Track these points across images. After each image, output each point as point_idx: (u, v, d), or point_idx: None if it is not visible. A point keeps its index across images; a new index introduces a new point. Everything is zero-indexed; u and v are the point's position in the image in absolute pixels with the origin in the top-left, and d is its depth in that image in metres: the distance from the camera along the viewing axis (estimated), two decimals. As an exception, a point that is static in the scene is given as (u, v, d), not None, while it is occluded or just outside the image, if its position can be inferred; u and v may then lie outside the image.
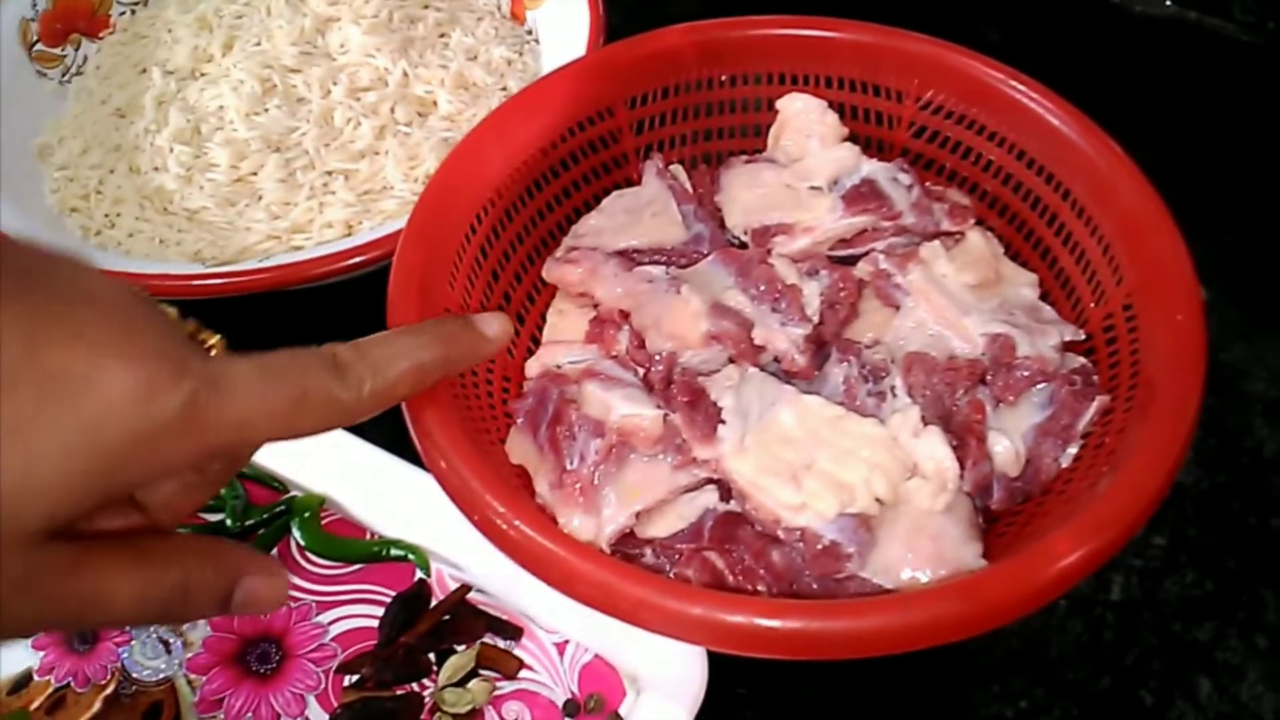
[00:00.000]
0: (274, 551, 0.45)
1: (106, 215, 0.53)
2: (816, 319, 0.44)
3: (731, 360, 0.43)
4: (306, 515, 0.45)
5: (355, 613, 0.43)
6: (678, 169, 0.51)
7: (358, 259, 0.46)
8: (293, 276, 0.46)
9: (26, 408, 0.25)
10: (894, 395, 0.42)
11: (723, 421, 0.40)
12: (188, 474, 0.30)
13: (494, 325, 0.37)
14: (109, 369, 0.26)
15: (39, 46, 0.61)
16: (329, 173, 0.53)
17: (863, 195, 0.47)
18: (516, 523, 0.35)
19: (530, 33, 0.62)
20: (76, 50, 0.62)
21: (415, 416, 0.38)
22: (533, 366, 0.46)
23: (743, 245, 0.48)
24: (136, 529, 0.30)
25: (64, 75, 0.61)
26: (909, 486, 0.39)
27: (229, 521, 0.45)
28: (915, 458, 0.40)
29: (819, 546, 0.37)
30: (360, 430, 0.46)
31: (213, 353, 0.31)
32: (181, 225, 0.51)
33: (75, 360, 0.26)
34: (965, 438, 0.41)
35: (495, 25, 0.61)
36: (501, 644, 0.42)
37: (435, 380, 0.35)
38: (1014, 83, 0.47)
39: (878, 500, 0.38)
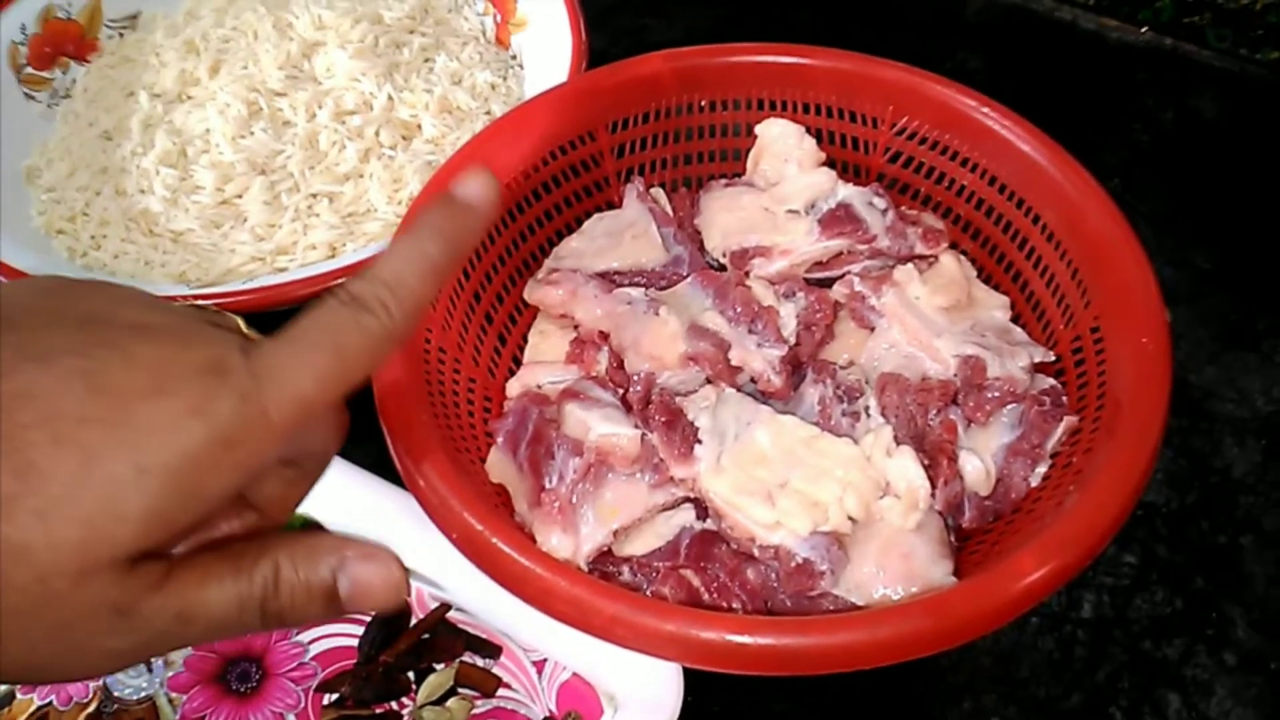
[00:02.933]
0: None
1: (93, 237, 0.54)
2: (793, 340, 0.45)
3: (709, 381, 0.44)
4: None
5: (335, 631, 0.43)
6: (658, 192, 0.52)
7: (341, 281, 0.47)
8: (277, 298, 0.47)
9: (96, 444, 0.26)
10: (868, 415, 0.43)
11: (699, 441, 0.41)
12: (281, 469, 0.31)
13: (474, 187, 0.35)
14: (162, 395, 0.27)
15: (28, 70, 0.61)
16: (313, 195, 0.54)
17: (839, 219, 0.48)
18: (494, 540, 0.36)
19: (514, 57, 0.63)
20: (65, 74, 0.63)
21: (395, 436, 0.39)
22: (513, 387, 0.46)
23: (721, 267, 0.49)
24: (254, 530, 0.30)
25: (52, 98, 0.62)
26: (881, 505, 0.40)
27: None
28: (888, 477, 0.40)
29: (793, 564, 0.38)
30: (342, 451, 0.47)
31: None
32: (167, 247, 0.52)
33: (132, 393, 0.27)
34: (937, 457, 0.41)
35: (480, 50, 0.62)
36: (480, 662, 0.43)
37: (452, 266, 0.34)
38: (986, 110, 0.48)
39: (850, 519, 0.39)
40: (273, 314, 0.49)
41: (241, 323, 0.33)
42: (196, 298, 0.47)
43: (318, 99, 0.57)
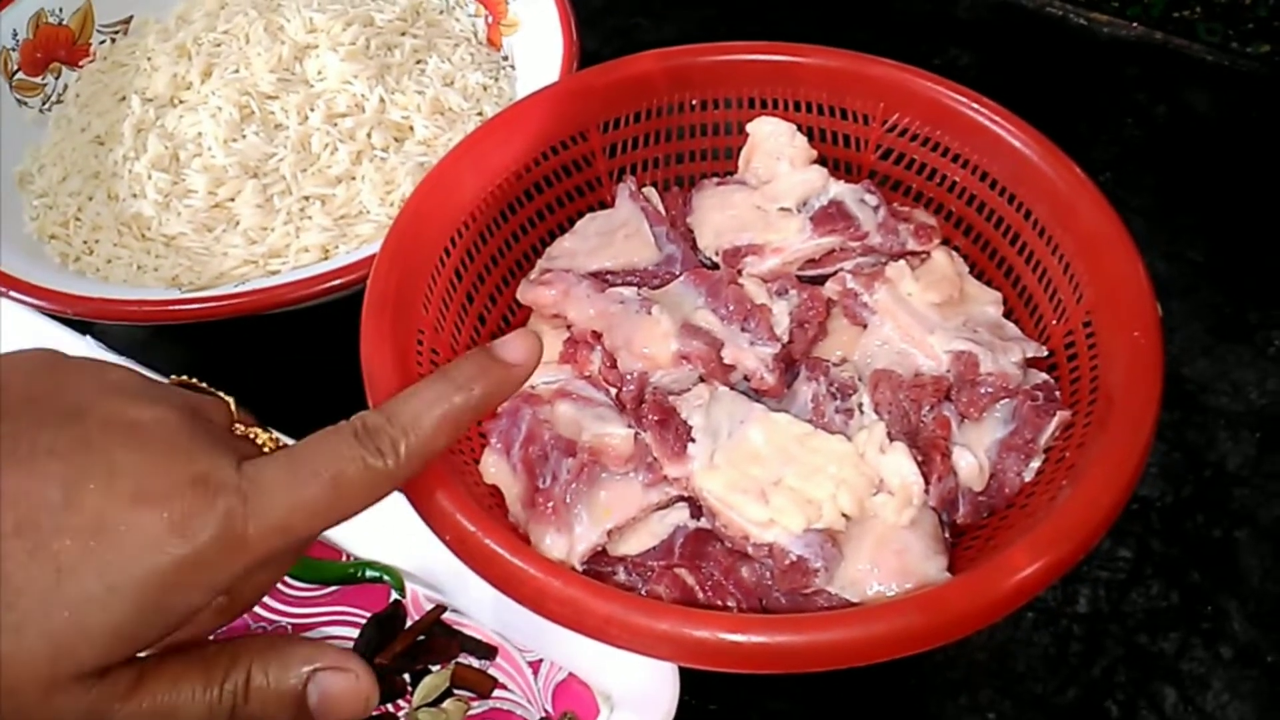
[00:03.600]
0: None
1: (85, 242, 0.54)
2: (786, 338, 0.45)
3: (702, 379, 0.44)
4: (283, 537, 0.46)
5: (331, 634, 0.43)
6: (650, 191, 0.52)
7: (334, 283, 0.47)
8: (268, 301, 0.47)
9: (71, 555, 0.26)
10: (861, 412, 0.43)
11: (693, 440, 0.41)
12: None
13: (517, 349, 0.34)
14: (143, 508, 0.27)
15: (19, 75, 0.61)
16: (306, 198, 0.54)
17: (831, 216, 0.48)
18: (487, 541, 0.36)
19: (506, 58, 0.63)
20: (57, 79, 0.63)
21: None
22: (507, 388, 0.46)
23: (714, 266, 0.49)
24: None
25: (44, 104, 0.62)
26: (875, 502, 0.40)
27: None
28: (881, 473, 0.40)
29: (786, 562, 0.38)
30: None
31: (262, 446, 0.31)
32: (159, 251, 0.52)
33: (111, 504, 0.27)
34: (930, 453, 0.41)
35: (471, 51, 0.62)
36: (476, 664, 0.43)
37: (473, 421, 0.33)
38: (976, 106, 0.48)
39: (844, 516, 0.39)
40: (266, 317, 0.49)
41: (233, 404, 0.32)
42: (189, 301, 0.47)
43: (309, 101, 0.57)
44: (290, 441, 0.31)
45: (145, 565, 0.26)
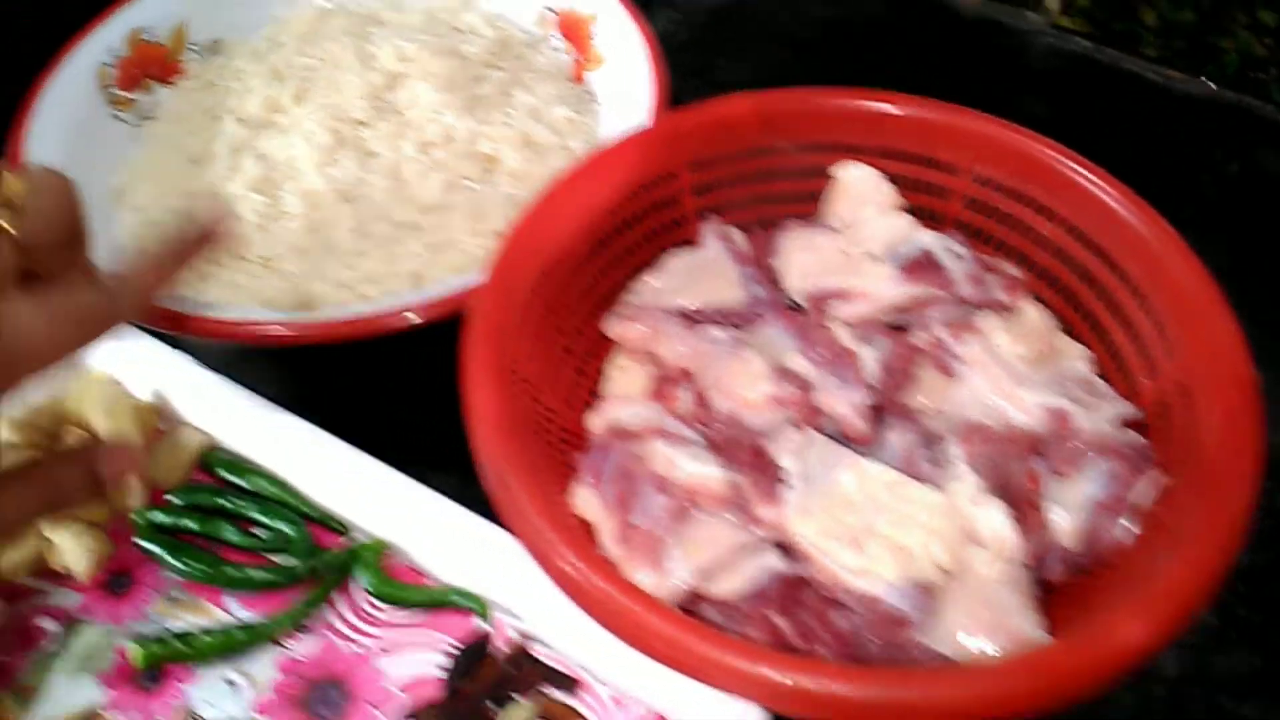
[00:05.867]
0: (338, 593, 0.46)
1: (180, 258, 0.55)
2: (874, 384, 0.45)
3: (792, 423, 0.44)
4: (371, 559, 0.46)
5: (418, 659, 0.44)
6: (735, 231, 0.53)
7: (434, 312, 0.48)
8: (368, 329, 0.48)
9: None
10: (951, 463, 0.43)
11: (785, 483, 0.41)
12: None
13: (210, 215, 0.42)
14: None
15: (115, 90, 0.63)
16: (398, 225, 0.54)
17: (920, 265, 0.48)
18: (593, 578, 0.36)
19: (589, 93, 0.64)
20: (150, 95, 0.64)
21: (491, 468, 0.39)
22: (595, 421, 0.47)
23: (799, 308, 0.50)
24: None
25: (138, 119, 0.63)
26: (968, 554, 0.40)
27: (297, 563, 0.46)
28: (974, 526, 0.41)
29: (881, 611, 0.38)
30: (423, 477, 0.48)
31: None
32: (255, 272, 0.53)
33: None
34: (1022, 508, 0.42)
35: (556, 85, 0.63)
36: (560, 696, 0.43)
37: (178, 268, 0.41)
38: (1068, 161, 0.48)
39: (938, 567, 0.39)
40: (357, 344, 0.49)
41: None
42: (289, 325, 0.48)
43: (401, 130, 0.58)
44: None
45: None
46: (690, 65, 0.75)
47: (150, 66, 0.65)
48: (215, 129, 0.60)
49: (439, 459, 0.50)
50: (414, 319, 0.48)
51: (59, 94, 0.60)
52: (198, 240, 0.42)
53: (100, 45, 0.63)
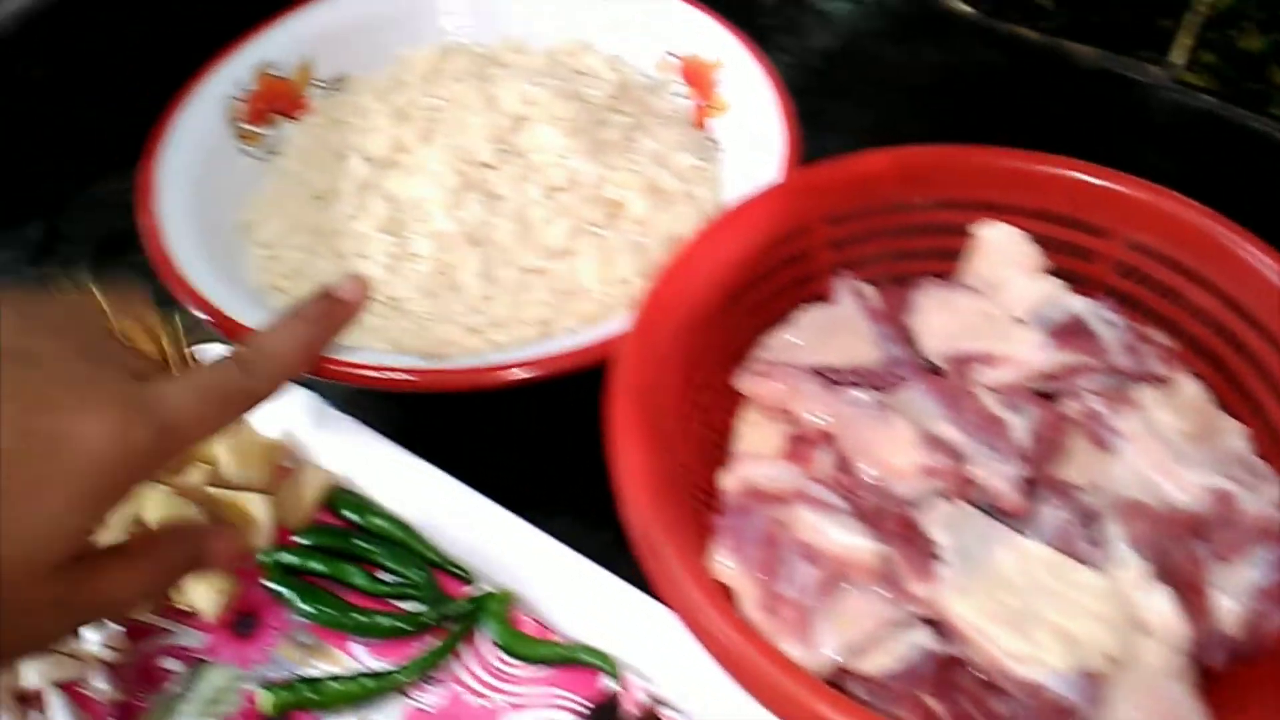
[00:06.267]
0: (464, 644, 0.45)
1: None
2: (1026, 455, 0.44)
3: (942, 493, 0.43)
4: (498, 611, 0.45)
5: (548, 718, 0.43)
6: (868, 288, 0.52)
7: (579, 362, 0.47)
8: (505, 379, 0.47)
9: (36, 471, 0.32)
10: (1111, 543, 0.41)
11: (940, 559, 0.40)
12: None
13: (352, 290, 0.46)
14: (87, 421, 0.34)
15: (242, 124, 0.63)
16: (525, 269, 0.54)
17: (1070, 331, 0.47)
18: (748, 650, 0.35)
19: (712, 140, 0.63)
20: (276, 130, 0.65)
21: (640, 531, 0.39)
22: (729, 480, 0.46)
23: (937, 370, 0.48)
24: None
25: (264, 154, 0.64)
26: (1135, 642, 0.38)
27: (426, 611, 0.46)
28: (1139, 613, 0.39)
29: (1046, 700, 0.37)
30: (538, 522, 0.47)
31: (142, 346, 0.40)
32: (384, 313, 0.53)
33: (59, 421, 0.33)
34: (1186, 594, 0.40)
35: (679, 131, 0.63)
36: (693, 763, 0.42)
37: (321, 348, 0.45)
38: (1227, 230, 0.47)
39: (1106, 657, 0.38)
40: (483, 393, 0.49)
41: (107, 306, 0.40)
42: (422, 372, 0.48)
43: (526, 173, 0.58)
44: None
45: (98, 471, 0.34)
46: (801, 109, 0.74)
47: (277, 101, 0.65)
48: (340, 166, 0.61)
49: (556, 504, 0.50)
50: (545, 372, 0.47)
51: (189, 126, 0.60)
52: (337, 314, 0.46)
53: (228, 79, 0.63)
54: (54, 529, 0.33)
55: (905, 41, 0.81)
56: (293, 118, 0.66)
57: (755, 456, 0.47)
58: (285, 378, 0.41)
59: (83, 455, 0.33)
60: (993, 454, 0.43)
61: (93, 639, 0.46)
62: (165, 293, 0.64)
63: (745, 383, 0.49)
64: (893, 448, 0.43)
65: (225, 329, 0.50)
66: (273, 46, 0.65)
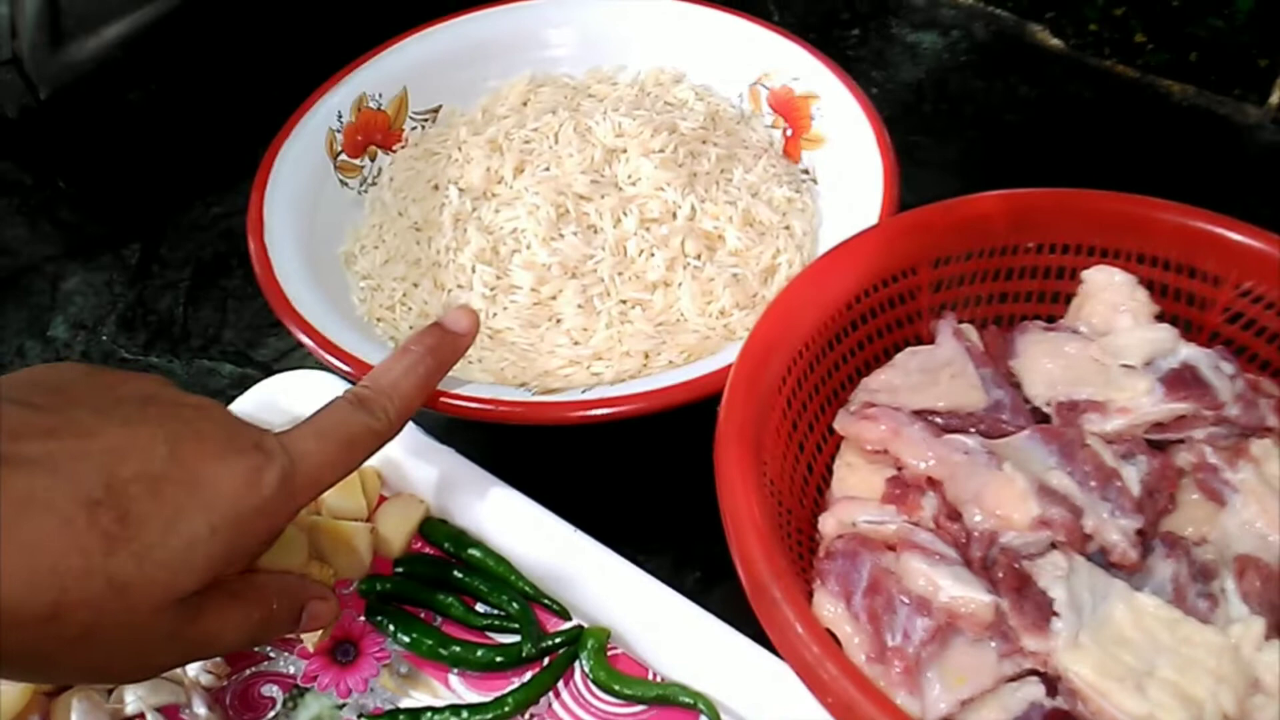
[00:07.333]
0: (561, 679, 0.45)
1: (412, 327, 0.55)
2: (1140, 508, 0.43)
3: (1056, 545, 0.42)
4: (596, 647, 0.45)
5: (649, 766, 0.43)
6: (971, 330, 0.51)
7: (683, 397, 0.47)
8: (614, 413, 0.48)
9: (179, 498, 0.33)
10: (1228, 600, 0.40)
11: (1055, 613, 0.39)
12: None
13: (462, 322, 0.46)
14: (228, 463, 0.35)
15: (342, 157, 0.64)
16: (624, 301, 0.54)
17: (1184, 380, 0.46)
18: (864, 702, 0.35)
19: (807, 172, 0.63)
20: (373, 161, 0.66)
21: (752, 577, 0.38)
22: (828, 523, 0.45)
23: (1044, 417, 0.48)
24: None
25: (361, 185, 0.65)
26: (1253, 703, 0.37)
27: (522, 644, 0.46)
28: (1256, 670, 0.38)
29: (1168, 762, 0.36)
30: (632, 557, 0.47)
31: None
32: (485, 344, 0.53)
33: (203, 460, 0.35)
34: (1304, 654, 0.39)
35: (772, 163, 0.63)
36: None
37: (437, 381, 0.45)
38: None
39: (1224, 716, 0.37)
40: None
41: None
42: (528, 405, 0.48)
43: (623, 205, 0.58)
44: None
45: (233, 509, 0.34)
46: (896, 143, 0.74)
47: (374, 133, 0.66)
48: (436, 198, 0.62)
49: (650, 540, 0.50)
50: (653, 406, 0.47)
51: (293, 159, 0.62)
52: (450, 346, 0.46)
53: (329, 111, 0.65)
54: (190, 559, 0.34)
55: (993, 75, 0.80)
56: (389, 150, 0.67)
57: (857, 500, 0.47)
58: (407, 414, 0.42)
59: (218, 493, 0.34)
60: (1107, 506, 0.42)
61: (193, 664, 0.46)
62: (266, 319, 0.66)
63: (846, 424, 0.48)
64: (1005, 497, 0.42)
65: (337, 359, 0.50)
66: (371, 78, 0.67)
